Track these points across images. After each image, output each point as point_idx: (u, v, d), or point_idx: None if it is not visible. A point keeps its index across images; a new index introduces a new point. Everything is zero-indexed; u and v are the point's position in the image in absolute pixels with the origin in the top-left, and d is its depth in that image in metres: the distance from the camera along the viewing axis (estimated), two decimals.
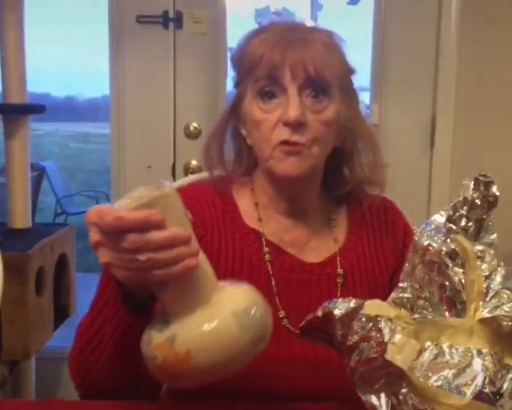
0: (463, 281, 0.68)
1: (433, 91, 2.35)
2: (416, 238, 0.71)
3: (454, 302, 0.69)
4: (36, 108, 2.25)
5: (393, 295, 0.72)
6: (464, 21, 2.27)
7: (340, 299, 0.72)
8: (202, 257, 0.71)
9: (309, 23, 1.02)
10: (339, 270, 1.02)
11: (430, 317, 0.69)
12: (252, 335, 0.69)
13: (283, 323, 0.98)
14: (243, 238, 1.02)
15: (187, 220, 0.69)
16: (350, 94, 1.02)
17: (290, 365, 0.95)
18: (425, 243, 0.70)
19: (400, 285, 0.72)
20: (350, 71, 1.02)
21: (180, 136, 2.37)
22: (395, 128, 2.36)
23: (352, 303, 0.70)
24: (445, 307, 0.69)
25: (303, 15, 2.45)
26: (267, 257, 1.01)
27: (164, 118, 2.36)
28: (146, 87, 2.36)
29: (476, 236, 0.72)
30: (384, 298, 1.02)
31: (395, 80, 2.35)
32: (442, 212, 0.72)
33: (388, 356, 0.64)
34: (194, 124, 2.35)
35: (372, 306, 0.69)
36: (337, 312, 0.70)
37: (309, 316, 0.76)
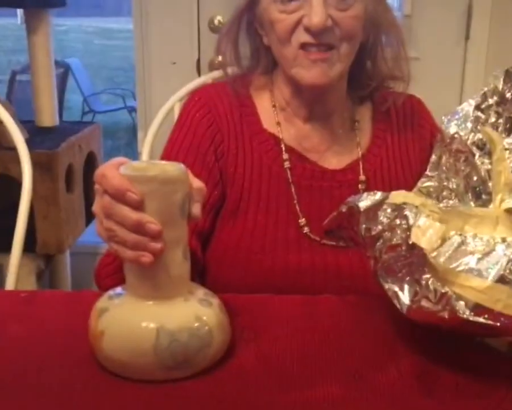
0: (490, 171, 0.67)
1: None
2: (444, 127, 0.70)
3: (480, 192, 0.68)
4: (55, 1, 2.20)
5: (419, 184, 0.71)
6: None
7: (365, 194, 0.71)
8: (175, 257, 0.67)
9: None
10: (362, 177, 0.99)
11: (455, 206, 0.68)
12: (167, 363, 0.65)
13: (304, 231, 0.97)
14: (262, 143, 0.99)
15: (181, 212, 0.66)
16: None
17: (312, 274, 0.95)
18: (452, 132, 0.69)
19: (427, 173, 0.71)
20: None
21: (204, 30, 2.30)
22: (429, 19, 2.26)
23: (378, 195, 0.70)
24: (470, 197, 0.68)
25: None
26: (287, 164, 0.98)
27: (187, 11, 2.29)
28: None
29: (508, 134, 0.70)
30: None
31: None
32: (471, 101, 0.69)
33: (413, 239, 0.64)
34: (219, 18, 2.28)
35: (398, 196, 0.69)
36: (362, 205, 0.70)
37: (332, 214, 0.76)
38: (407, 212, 0.66)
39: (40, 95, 2.22)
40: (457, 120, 0.69)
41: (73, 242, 2.16)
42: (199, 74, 2.31)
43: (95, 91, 7.11)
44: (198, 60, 2.33)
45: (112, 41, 14.31)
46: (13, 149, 2.05)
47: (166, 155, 0.99)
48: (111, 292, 0.72)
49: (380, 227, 0.68)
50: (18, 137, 1.27)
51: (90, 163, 2.31)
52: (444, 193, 0.70)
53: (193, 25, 2.30)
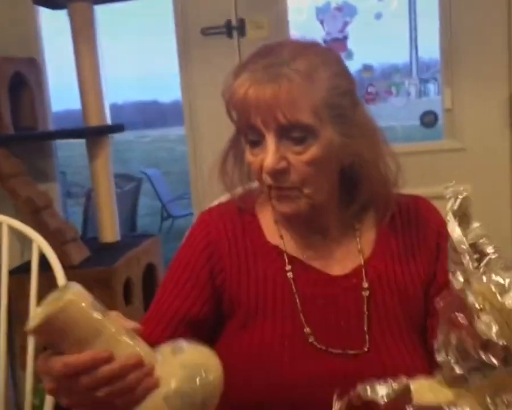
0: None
1: (508, 69, 2.23)
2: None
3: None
4: (115, 128, 2.39)
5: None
6: None
7: (375, 385, 0.68)
8: (123, 345, 0.70)
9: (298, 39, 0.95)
10: (365, 283, 1.00)
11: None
12: None
13: (310, 340, 0.97)
14: (266, 256, 1.02)
15: (100, 313, 0.69)
16: (346, 116, 0.95)
17: (319, 382, 0.94)
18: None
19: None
20: (347, 89, 0.96)
21: None
22: (470, 112, 2.26)
23: (392, 387, 0.67)
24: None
25: (365, 7, 2.42)
26: (290, 274, 1.00)
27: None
28: (215, 94, 2.42)
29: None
30: (417, 310, 1.01)
31: (467, 61, 2.25)
32: None
33: None
34: None
35: (421, 391, 0.67)
36: (380, 400, 0.67)
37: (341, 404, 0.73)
38: None
39: (102, 214, 2.38)
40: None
41: None
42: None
43: (177, 196, 7.44)
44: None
45: None
46: (75, 267, 2.19)
47: (169, 269, 1.05)
48: None
49: None
50: (56, 265, 1.36)
51: (150, 274, 2.42)
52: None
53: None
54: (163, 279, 1.06)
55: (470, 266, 0.69)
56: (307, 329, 0.98)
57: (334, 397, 0.72)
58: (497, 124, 2.26)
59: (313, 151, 0.91)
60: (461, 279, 0.69)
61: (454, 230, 0.72)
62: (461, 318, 0.67)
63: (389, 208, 1.03)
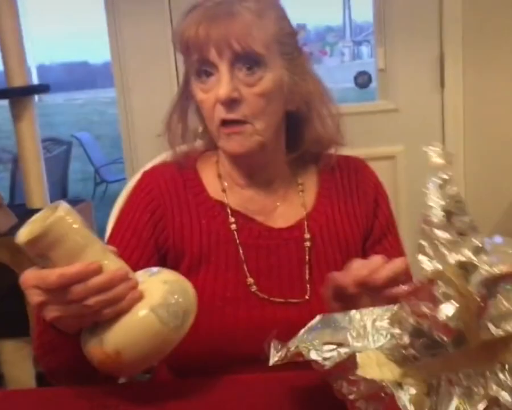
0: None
1: (438, 28, 2.25)
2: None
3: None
4: (39, 88, 2.29)
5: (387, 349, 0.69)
6: None
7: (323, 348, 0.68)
8: (111, 264, 0.74)
9: None
10: (307, 235, 1.03)
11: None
12: (173, 323, 0.74)
13: (252, 290, 0.99)
14: (208, 210, 1.03)
15: (88, 231, 0.74)
16: (293, 56, 0.99)
17: (261, 330, 0.92)
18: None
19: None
20: (292, 32, 0.99)
21: None
22: (402, 72, 2.29)
23: (338, 354, 0.66)
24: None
25: None
26: (233, 226, 1.02)
27: (167, 80, 2.35)
28: (145, 54, 2.35)
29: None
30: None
31: (399, 21, 2.27)
32: None
33: None
34: None
35: (367, 363, 0.66)
36: (326, 366, 0.67)
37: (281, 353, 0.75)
38: (392, 391, 0.62)
39: (29, 179, 2.28)
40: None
41: None
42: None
43: (108, 161, 7.25)
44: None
45: None
46: (2, 235, 2.10)
47: (112, 228, 1.06)
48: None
49: (360, 396, 0.64)
50: None
51: None
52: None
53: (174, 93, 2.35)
54: (106, 239, 1.06)
55: (444, 249, 0.65)
56: (250, 279, 1.00)
57: (271, 345, 0.78)
58: (428, 84, 2.29)
59: (264, 83, 0.94)
60: (430, 265, 0.65)
61: (435, 207, 0.66)
62: (426, 307, 0.64)
63: (330, 161, 1.07)
